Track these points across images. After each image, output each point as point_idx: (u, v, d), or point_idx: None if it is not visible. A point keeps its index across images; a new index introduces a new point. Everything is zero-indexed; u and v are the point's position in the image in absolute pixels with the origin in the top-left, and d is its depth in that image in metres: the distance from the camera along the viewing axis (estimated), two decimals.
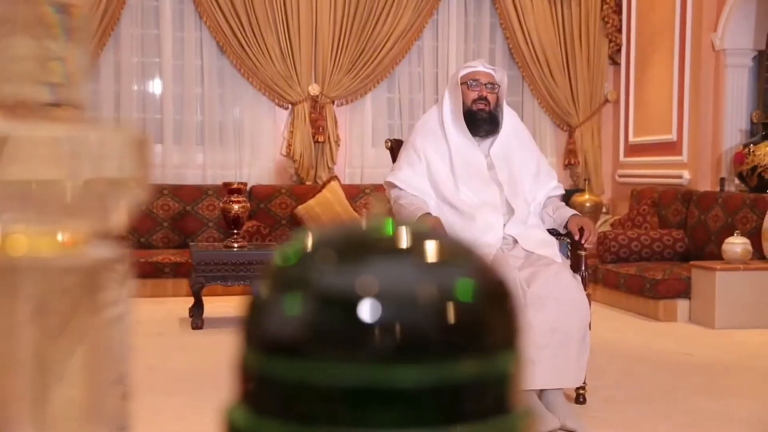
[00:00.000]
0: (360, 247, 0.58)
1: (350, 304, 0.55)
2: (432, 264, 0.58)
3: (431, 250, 0.59)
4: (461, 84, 3.61)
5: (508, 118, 3.69)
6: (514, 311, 0.60)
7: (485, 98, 3.60)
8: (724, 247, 5.39)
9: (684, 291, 5.49)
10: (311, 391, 0.54)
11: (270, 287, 0.59)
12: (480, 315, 0.57)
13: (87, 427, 0.79)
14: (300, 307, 0.56)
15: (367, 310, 0.55)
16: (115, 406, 0.82)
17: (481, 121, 3.61)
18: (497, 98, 3.64)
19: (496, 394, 0.57)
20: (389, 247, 0.59)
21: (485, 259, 0.62)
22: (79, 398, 0.78)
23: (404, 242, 0.59)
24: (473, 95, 3.60)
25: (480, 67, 3.66)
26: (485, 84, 3.61)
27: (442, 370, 0.54)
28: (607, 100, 7.85)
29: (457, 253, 0.60)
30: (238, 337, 0.59)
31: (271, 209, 6.97)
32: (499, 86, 3.64)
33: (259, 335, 0.57)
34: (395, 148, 3.91)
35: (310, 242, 0.60)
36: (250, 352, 0.57)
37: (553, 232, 3.60)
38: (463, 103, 3.60)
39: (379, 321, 0.55)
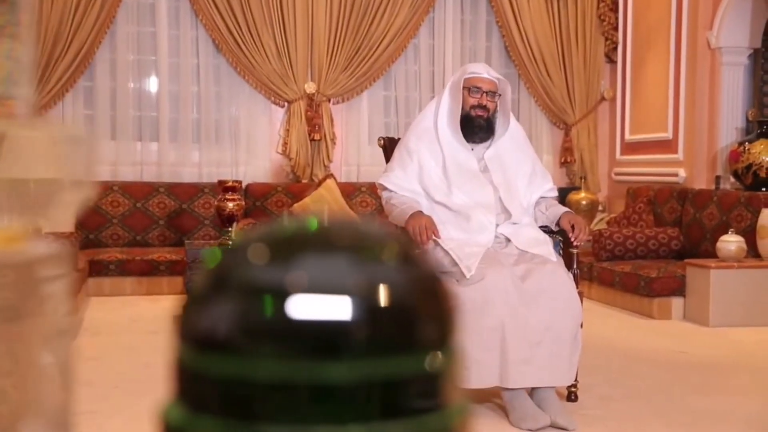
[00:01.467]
0: (292, 244, 0.59)
1: (280, 301, 0.55)
2: (365, 261, 0.58)
3: (365, 246, 0.59)
4: (463, 88, 3.61)
5: (504, 123, 3.68)
6: (449, 309, 0.60)
7: (484, 106, 3.60)
8: (719, 245, 5.39)
9: (678, 289, 5.49)
10: (243, 388, 0.54)
11: (203, 285, 0.59)
12: (412, 312, 0.57)
13: (24, 424, 0.79)
14: (231, 304, 0.56)
15: (296, 307, 0.55)
16: (56, 405, 0.82)
17: (478, 128, 3.61)
18: (496, 106, 3.64)
19: (429, 391, 0.57)
20: (322, 243, 0.59)
21: (422, 256, 0.62)
22: (16, 395, 0.78)
23: (338, 239, 0.59)
24: (473, 101, 3.59)
25: (484, 74, 3.65)
26: (486, 92, 3.60)
27: (373, 366, 0.54)
28: (603, 98, 7.85)
29: (391, 249, 0.60)
30: (174, 335, 0.60)
31: (267, 207, 6.97)
32: (500, 95, 3.64)
33: (192, 332, 0.57)
34: (388, 146, 3.92)
35: (242, 240, 0.60)
36: (184, 349, 0.57)
37: (545, 229, 3.61)
38: (462, 108, 3.60)
39: (308, 318, 0.55)
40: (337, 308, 0.55)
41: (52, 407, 0.81)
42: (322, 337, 0.54)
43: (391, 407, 0.55)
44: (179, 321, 0.59)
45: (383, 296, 0.56)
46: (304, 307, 0.55)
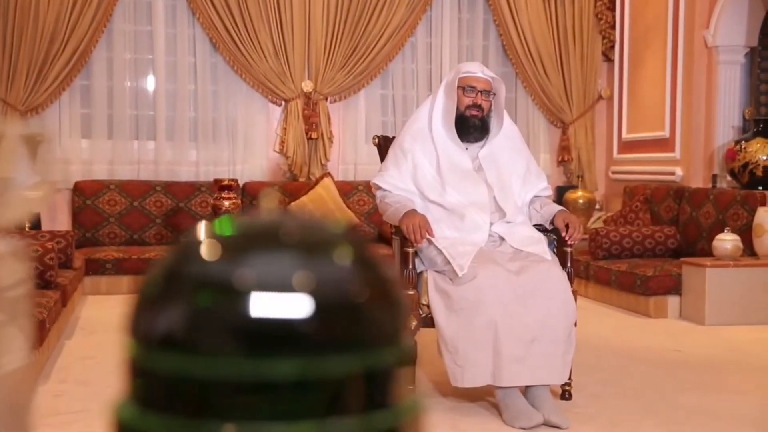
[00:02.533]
0: (242, 241, 0.59)
1: (228, 299, 0.55)
2: (314, 259, 0.58)
3: (316, 244, 0.59)
4: (457, 88, 3.61)
5: (498, 123, 3.68)
6: (398, 307, 0.60)
7: (479, 106, 3.60)
8: (715, 243, 5.39)
9: (674, 287, 5.50)
10: (190, 385, 0.55)
11: (152, 282, 0.59)
12: (361, 310, 0.57)
13: None
14: (179, 301, 0.56)
15: (244, 304, 0.55)
16: (16, 407, 0.82)
17: (472, 128, 3.61)
18: (491, 105, 3.64)
19: (377, 389, 0.57)
20: (272, 241, 0.59)
21: (374, 255, 0.62)
22: None
23: (289, 236, 0.59)
24: (467, 101, 3.60)
25: (479, 73, 3.65)
26: (481, 91, 3.60)
27: (320, 364, 0.54)
28: (600, 97, 7.85)
29: (342, 248, 0.60)
30: (125, 332, 0.60)
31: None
32: (495, 94, 3.64)
33: (141, 329, 0.57)
34: (383, 145, 3.92)
35: (194, 237, 0.60)
36: (134, 347, 0.57)
37: (539, 227, 3.61)
38: (457, 108, 3.60)
39: (256, 315, 0.55)
40: (286, 306, 0.55)
41: (11, 409, 0.81)
42: (270, 334, 0.54)
43: (337, 404, 0.55)
44: (130, 318, 0.59)
45: (332, 294, 0.56)
46: (252, 304, 0.55)
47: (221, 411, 0.54)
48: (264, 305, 0.55)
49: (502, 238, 3.50)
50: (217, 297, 0.56)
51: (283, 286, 0.55)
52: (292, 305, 0.55)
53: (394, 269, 0.66)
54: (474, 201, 3.52)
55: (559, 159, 7.84)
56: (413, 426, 0.57)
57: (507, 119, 3.75)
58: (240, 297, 0.55)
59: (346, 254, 0.59)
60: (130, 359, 0.58)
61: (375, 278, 0.59)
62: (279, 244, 0.58)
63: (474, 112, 3.60)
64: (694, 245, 5.98)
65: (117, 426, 0.57)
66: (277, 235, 0.59)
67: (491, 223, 3.52)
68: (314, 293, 0.55)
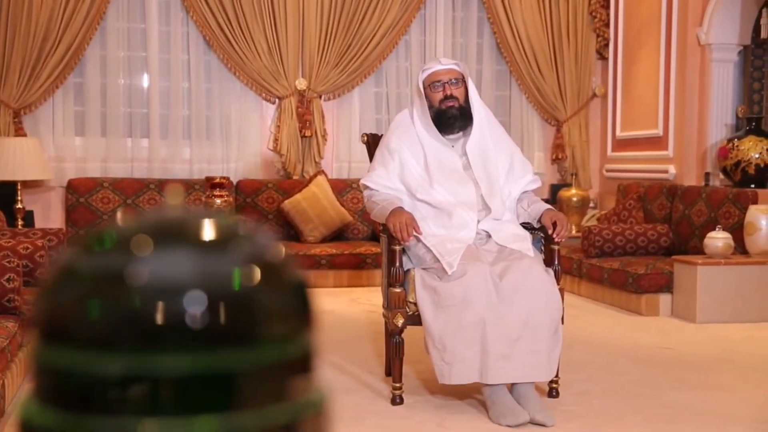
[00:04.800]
0: (139, 236, 0.59)
1: (119, 294, 0.55)
2: (209, 255, 0.58)
3: (212, 240, 0.59)
4: (425, 88, 3.61)
5: (478, 108, 3.66)
6: (298, 302, 0.60)
7: (451, 96, 3.59)
8: (706, 241, 5.39)
9: (666, 285, 5.50)
10: (85, 380, 0.55)
11: (50, 278, 0.59)
12: (255, 305, 0.57)
13: None
14: (72, 296, 0.57)
15: (135, 300, 0.55)
16: None
17: (453, 119, 3.60)
18: (465, 90, 3.63)
19: (274, 384, 0.57)
20: (167, 236, 0.59)
21: (278, 250, 0.62)
22: None
23: (187, 231, 0.59)
24: (439, 96, 3.59)
25: (437, 66, 3.64)
26: (448, 81, 3.59)
27: (212, 358, 0.54)
28: (594, 95, 7.85)
29: (242, 242, 0.60)
30: (31, 329, 0.60)
31: (257, 204, 6.97)
32: (464, 79, 3.63)
33: (39, 325, 0.58)
34: (371, 143, 3.92)
35: (92, 234, 0.60)
36: (36, 343, 0.58)
37: (527, 225, 3.61)
38: (431, 106, 3.59)
39: (146, 309, 0.55)
40: (177, 300, 0.55)
41: None
42: (161, 328, 0.54)
43: (236, 399, 0.55)
44: (32, 314, 0.60)
45: (223, 289, 0.56)
46: (143, 299, 0.55)
47: (115, 406, 0.54)
48: (155, 300, 0.55)
49: (489, 235, 3.51)
50: (108, 292, 0.56)
51: (175, 280, 0.55)
52: (184, 300, 0.55)
53: (298, 264, 0.66)
54: (462, 199, 3.52)
55: (553, 157, 7.85)
56: (315, 421, 0.57)
57: (489, 115, 3.75)
58: (131, 292, 0.55)
59: (242, 250, 0.59)
60: (33, 355, 0.59)
61: (272, 273, 0.59)
62: (173, 239, 0.58)
63: (449, 104, 3.59)
64: (687, 243, 5.98)
65: (20, 422, 0.58)
66: (172, 230, 0.59)
67: (478, 221, 3.52)
68: (207, 288, 0.55)
